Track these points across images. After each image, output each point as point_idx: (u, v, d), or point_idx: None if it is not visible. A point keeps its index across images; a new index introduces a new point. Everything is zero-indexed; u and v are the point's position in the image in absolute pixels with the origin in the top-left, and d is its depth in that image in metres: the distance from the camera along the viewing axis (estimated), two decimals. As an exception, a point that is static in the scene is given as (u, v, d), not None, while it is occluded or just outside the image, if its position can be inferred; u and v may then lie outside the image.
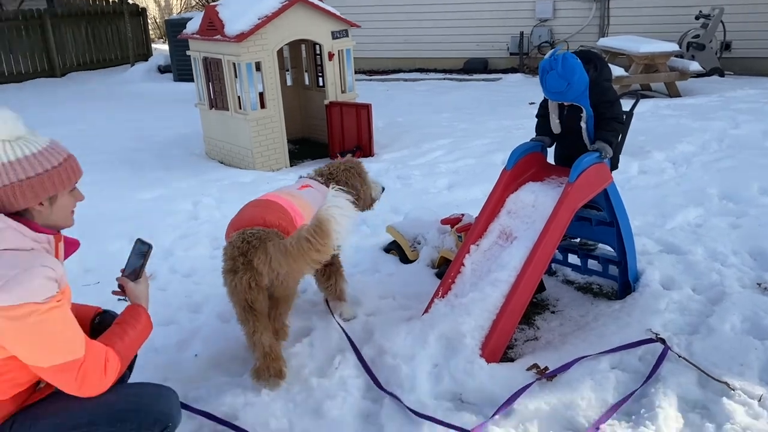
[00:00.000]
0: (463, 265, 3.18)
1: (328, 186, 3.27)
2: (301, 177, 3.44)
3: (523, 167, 3.35)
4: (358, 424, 2.59)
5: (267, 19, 6.16)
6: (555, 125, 3.30)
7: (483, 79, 11.30)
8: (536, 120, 3.46)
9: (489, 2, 11.54)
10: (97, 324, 2.36)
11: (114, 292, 2.34)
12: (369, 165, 3.71)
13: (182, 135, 7.95)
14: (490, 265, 3.10)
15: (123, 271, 2.33)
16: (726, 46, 10.19)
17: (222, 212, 5.13)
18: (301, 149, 7.43)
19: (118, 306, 2.35)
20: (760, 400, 2.53)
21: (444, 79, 11.56)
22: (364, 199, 3.39)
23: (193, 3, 22.12)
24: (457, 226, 3.78)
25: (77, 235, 2.23)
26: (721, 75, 9.84)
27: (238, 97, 6.46)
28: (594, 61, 3.18)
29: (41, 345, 1.86)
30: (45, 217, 2.01)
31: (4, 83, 12.77)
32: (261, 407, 2.66)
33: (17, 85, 12.73)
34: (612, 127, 3.17)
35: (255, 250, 2.63)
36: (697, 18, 9.76)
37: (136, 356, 2.34)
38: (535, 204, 3.19)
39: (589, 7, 11.06)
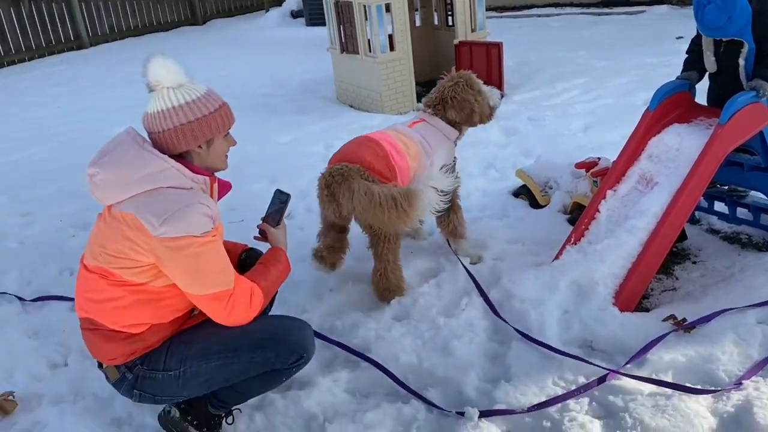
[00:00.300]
0: (598, 211, 3.08)
1: (438, 114, 3.28)
2: (417, 110, 3.44)
3: (668, 108, 3.14)
4: (484, 364, 2.64)
5: (397, -41, 6.09)
6: (710, 64, 3.03)
7: (624, 13, 10.54)
8: (685, 57, 3.20)
9: (633, -74, 10.64)
10: (243, 260, 2.55)
11: (256, 238, 2.53)
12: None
13: (314, 79, 8.16)
14: (627, 212, 2.98)
15: (264, 218, 2.50)
16: None
17: (352, 155, 5.26)
18: (428, 92, 7.34)
19: (261, 245, 2.53)
20: None
21: (581, 13, 10.89)
22: (481, 112, 3.28)
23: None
24: (592, 171, 3.62)
25: (225, 177, 2.40)
26: None
27: (368, 40, 6.49)
28: (757, -12, 2.87)
29: (197, 274, 2.06)
30: (203, 160, 2.19)
31: (153, 32, 13.69)
32: (391, 342, 2.77)
33: (163, 34, 13.59)
34: (774, 63, 2.87)
35: (338, 186, 2.84)
36: None
37: (276, 291, 2.51)
38: (680, 147, 3.00)
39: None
